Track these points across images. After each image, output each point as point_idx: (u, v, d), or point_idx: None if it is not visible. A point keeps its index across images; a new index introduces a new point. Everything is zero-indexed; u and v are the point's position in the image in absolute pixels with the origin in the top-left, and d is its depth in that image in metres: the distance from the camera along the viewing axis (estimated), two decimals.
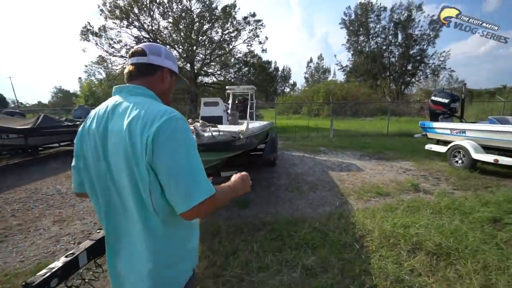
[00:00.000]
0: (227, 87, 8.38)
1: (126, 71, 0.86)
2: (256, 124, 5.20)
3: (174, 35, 19.90)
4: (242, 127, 2.97)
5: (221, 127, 4.24)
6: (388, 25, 29.35)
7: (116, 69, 19.22)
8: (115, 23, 18.36)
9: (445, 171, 5.06)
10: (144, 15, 18.85)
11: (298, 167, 5.66)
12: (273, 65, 36.35)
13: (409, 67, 30.05)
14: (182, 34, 19.37)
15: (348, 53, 31.89)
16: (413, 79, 30.39)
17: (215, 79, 21.76)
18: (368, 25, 30.09)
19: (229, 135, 2.77)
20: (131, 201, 0.73)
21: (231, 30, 19.81)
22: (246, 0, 32.38)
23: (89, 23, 18.10)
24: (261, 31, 19.78)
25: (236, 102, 9.02)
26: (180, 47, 19.91)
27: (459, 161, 5.22)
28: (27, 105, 43.40)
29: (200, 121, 3.90)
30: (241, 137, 2.92)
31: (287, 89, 50.87)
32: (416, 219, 2.81)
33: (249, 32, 19.76)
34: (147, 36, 19.10)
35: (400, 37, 29.27)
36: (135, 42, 18.97)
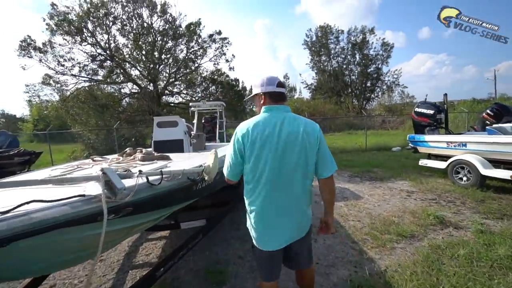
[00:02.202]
0: (190, 103, 7.16)
1: (276, 95, 1.40)
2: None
3: (134, 53, 18.28)
4: (208, 161, 1.77)
5: (179, 157, 3.00)
6: (347, 46, 31.22)
7: (67, 90, 16.68)
8: (65, 40, 16.14)
9: (453, 191, 4.36)
10: (99, 31, 17.01)
11: None
12: (240, 85, 36.00)
13: (368, 84, 31.90)
14: (143, 52, 17.89)
15: (312, 72, 32.91)
16: (372, 95, 32.21)
17: (181, 99, 20.29)
18: (328, 46, 31.66)
19: (185, 177, 1.58)
20: (299, 173, 1.33)
21: (196, 48, 18.91)
22: (210, 23, 32.36)
23: (29, 36, 15.58)
24: (227, 49, 19.07)
25: (203, 121, 7.81)
26: (142, 65, 18.34)
27: (464, 178, 4.59)
28: None
29: (144, 150, 2.62)
30: (206, 177, 1.74)
31: (256, 109, 50.89)
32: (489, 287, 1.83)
33: (215, 50, 19.00)
34: (104, 53, 17.21)
35: (358, 57, 31.20)
36: (90, 59, 16.91)
